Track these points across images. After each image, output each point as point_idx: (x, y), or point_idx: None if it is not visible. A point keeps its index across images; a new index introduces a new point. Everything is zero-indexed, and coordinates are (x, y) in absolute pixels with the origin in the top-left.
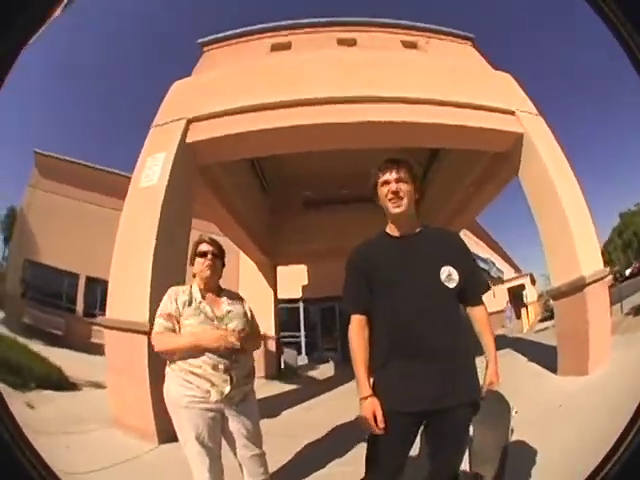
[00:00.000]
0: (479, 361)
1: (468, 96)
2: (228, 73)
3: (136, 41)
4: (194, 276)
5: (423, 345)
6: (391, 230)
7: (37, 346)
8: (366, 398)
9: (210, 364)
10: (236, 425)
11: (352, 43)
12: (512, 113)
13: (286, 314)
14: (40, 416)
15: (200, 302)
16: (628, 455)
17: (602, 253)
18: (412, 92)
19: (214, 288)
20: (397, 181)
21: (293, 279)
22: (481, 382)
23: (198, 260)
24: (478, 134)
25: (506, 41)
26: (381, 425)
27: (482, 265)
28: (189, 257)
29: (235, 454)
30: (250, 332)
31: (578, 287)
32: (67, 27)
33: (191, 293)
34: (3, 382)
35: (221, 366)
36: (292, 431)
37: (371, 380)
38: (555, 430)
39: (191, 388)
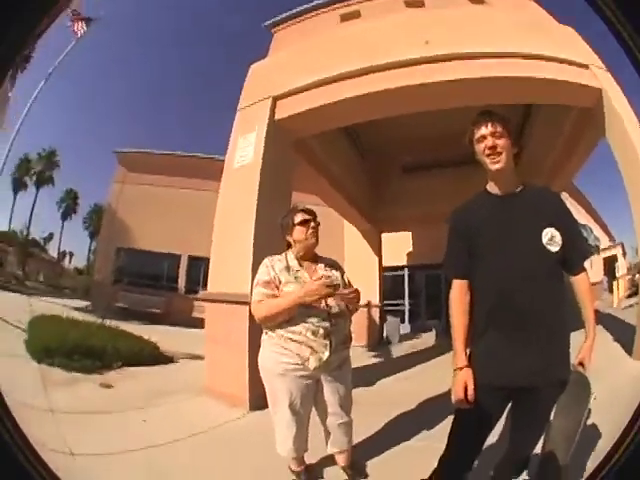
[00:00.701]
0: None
1: (547, 49)
2: (304, 48)
3: (208, 32)
4: (288, 246)
5: (522, 315)
6: (491, 188)
7: (130, 327)
8: (461, 369)
9: (310, 329)
10: (330, 391)
11: (420, 4)
12: (587, 67)
13: (391, 282)
14: (117, 394)
15: (298, 270)
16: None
17: None
18: (495, 47)
19: (311, 256)
20: (492, 135)
21: (398, 246)
22: (572, 359)
23: (299, 229)
24: (562, 88)
25: None
26: (471, 399)
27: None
28: (283, 226)
29: (322, 421)
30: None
31: None
32: (137, 28)
33: (287, 261)
34: (76, 369)
35: (321, 331)
36: (384, 401)
37: (468, 350)
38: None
39: (289, 355)
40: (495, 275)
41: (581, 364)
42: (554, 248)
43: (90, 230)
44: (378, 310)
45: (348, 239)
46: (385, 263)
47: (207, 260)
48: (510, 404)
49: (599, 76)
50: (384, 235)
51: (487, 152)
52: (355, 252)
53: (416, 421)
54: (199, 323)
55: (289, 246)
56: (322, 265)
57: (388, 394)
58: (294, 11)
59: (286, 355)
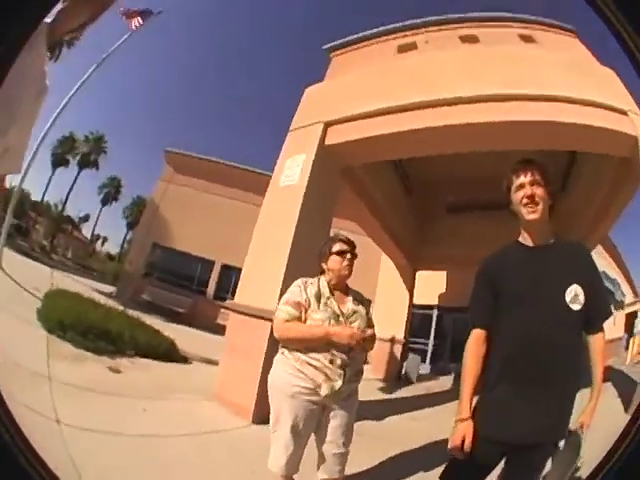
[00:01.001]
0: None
1: (592, 93)
2: (361, 76)
3: (267, 50)
4: (322, 272)
5: (537, 372)
6: (524, 239)
7: (151, 320)
8: (462, 421)
9: (328, 358)
10: (334, 420)
11: (475, 40)
12: (625, 113)
13: (418, 320)
14: (124, 380)
15: (328, 297)
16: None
17: None
18: (544, 90)
19: (343, 286)
20: (531, 184)
21: (431, 285)
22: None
23: (335, 258)
24: (601, 135)
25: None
26: (467, 451)
27: (608, 286)
28: (321, 252)
29: (319, 447)
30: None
31: None
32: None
33: (319, 287)
34: (88, 348)
35: (338, 361)
36: (388, 437)
37: (474, 401)
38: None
39: (303, 379)
40: (516, 324)
41: (582, 424)
42: (576, 307)
43: (129, 220)
44: (401, 346)
45: (383, 271)
46: (415, 301)
47: (239, 270)
48: (506, 457)
49: (636, 122)
50: (418, 272)
51: (525, 201)
52: (388, 285)
53: (415, 461)
54: (220, 330)
55: (322, 272)
56: (351, 298)
57: (393, 431)
58: (353, 37)
59: (300, 378)
